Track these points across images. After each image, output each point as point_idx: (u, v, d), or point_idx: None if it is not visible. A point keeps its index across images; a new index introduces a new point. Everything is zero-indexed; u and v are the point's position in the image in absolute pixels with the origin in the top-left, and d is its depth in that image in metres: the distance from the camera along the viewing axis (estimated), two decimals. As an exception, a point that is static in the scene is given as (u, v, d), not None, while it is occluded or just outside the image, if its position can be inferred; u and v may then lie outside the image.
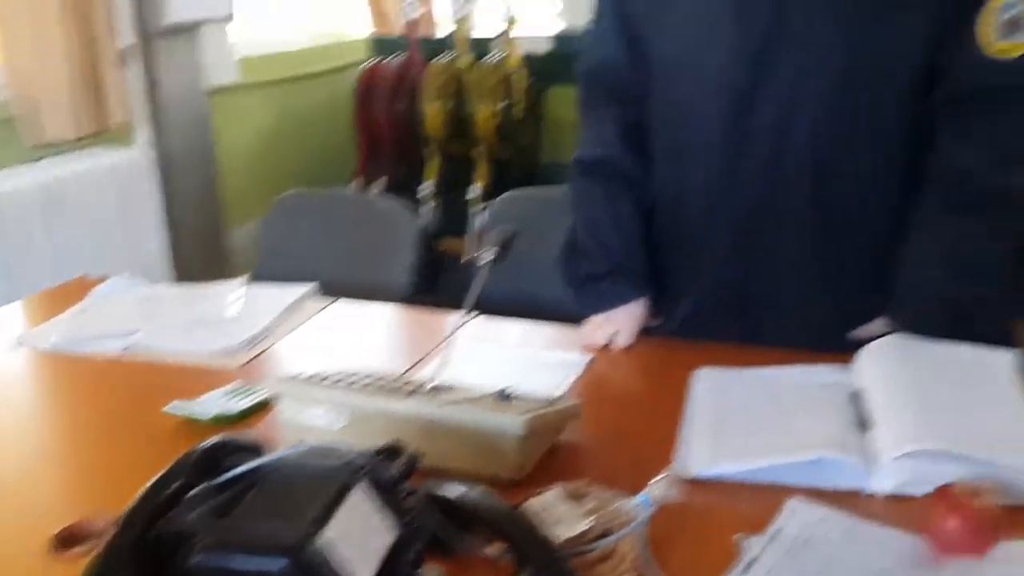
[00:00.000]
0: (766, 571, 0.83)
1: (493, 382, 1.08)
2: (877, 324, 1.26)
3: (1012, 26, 1.09)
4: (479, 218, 3.47)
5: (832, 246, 1.26)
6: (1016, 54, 1.10)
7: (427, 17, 4.06)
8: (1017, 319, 1.17)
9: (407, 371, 1.31)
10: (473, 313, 1.50)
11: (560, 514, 0.87)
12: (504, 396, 1.05)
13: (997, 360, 1.14)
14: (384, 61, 3.63)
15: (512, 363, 1.33)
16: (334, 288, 1.68)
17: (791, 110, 1.20)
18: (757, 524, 0.89)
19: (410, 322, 1.60)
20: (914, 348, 1.16)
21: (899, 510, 0.92)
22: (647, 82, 1.32)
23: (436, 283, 3.50)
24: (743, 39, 1.19)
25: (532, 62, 3.51)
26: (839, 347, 1.21)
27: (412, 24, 3.61)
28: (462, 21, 3.50)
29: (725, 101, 1.22)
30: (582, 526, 0.85)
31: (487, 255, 1.09)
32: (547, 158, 3.71)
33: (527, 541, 0.76)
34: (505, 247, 1.09)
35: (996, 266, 1.17)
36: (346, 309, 1.60)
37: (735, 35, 1.20)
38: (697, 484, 0.98)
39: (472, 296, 1.07)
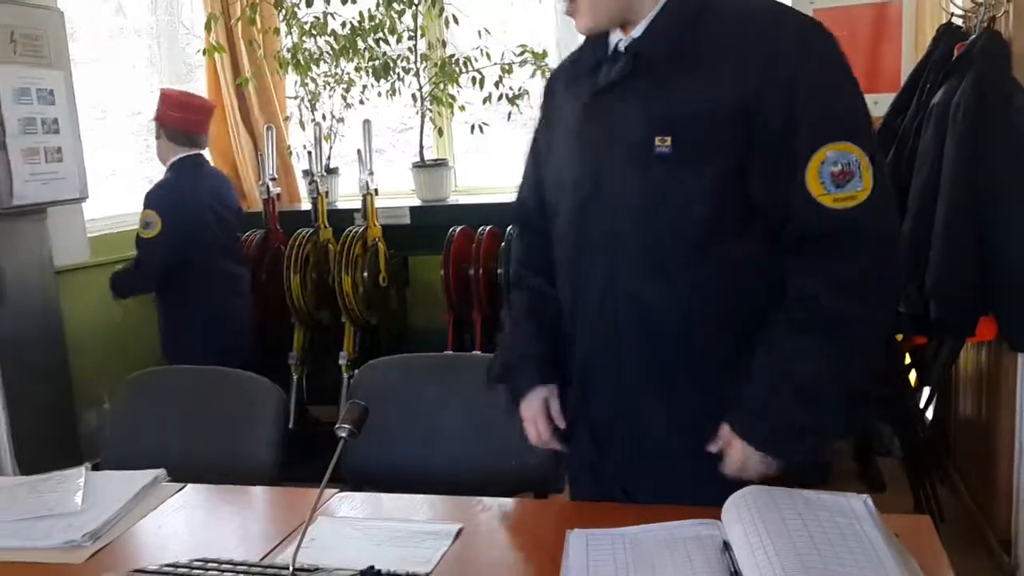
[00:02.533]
0: None
1: (359, 561, 1.03)
2: (724, 433, 1.27)
3: (837, 178, 1.18)
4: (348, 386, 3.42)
5: (674, 395, 1.32)
6: (850, 205, 1.19)
7: (288, 192, 4.10)
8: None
9: (266, 555, 1.24)
10: (335, 490, 1.45)
11: None
12: (371, 574, 1.00)
13: (853, 505, 1.18)
14: (245, 235, 3.62)
15: (379, 538, 1.27)
16: (193, 471, 1.59)
17: (613, 260, 1.31)
18: None
19: (271, 502, 1.52)
20: (774, 496, 1.18)
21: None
22: (541, 216, 1.49)
23: (311, 454, 3.39)
24: (577, 189, 1.35)
25: (393, 232, 3.58)
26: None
27: (271, 200, 3.63)
28: (321, 195, 3.56)
29: (571, 233, 1.37)
30: None
31: (340, 432, 1.07)
32: (416, 322, 3.73)
33: None
34: (358, 423, 1.07)
35: (835, 389, 1.22)
36: (201, 493, 1.51)
37: (573, 188, 1.36)
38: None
39: (327, 475, 1.03)
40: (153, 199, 2.97)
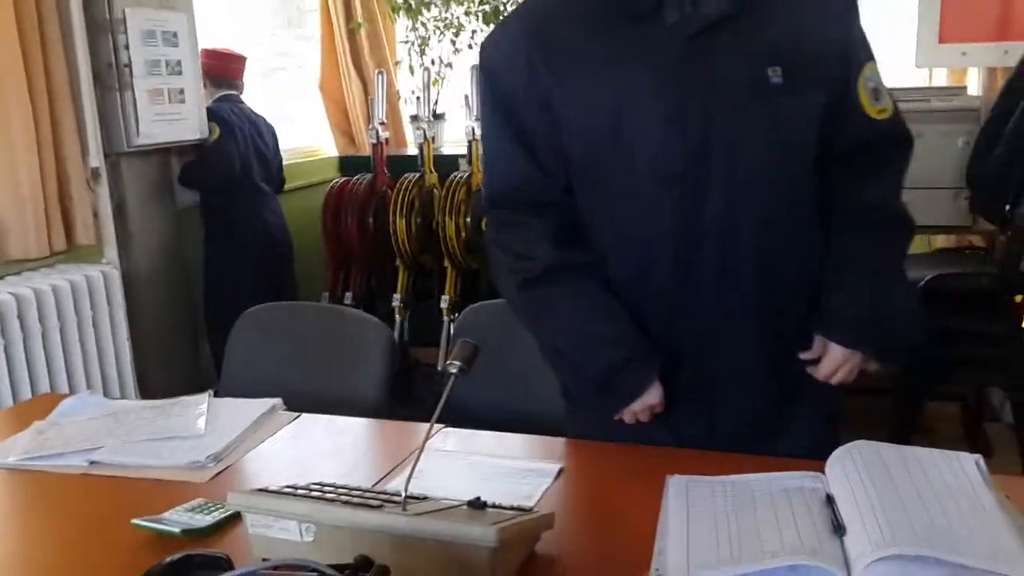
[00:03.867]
0: None
1: (464, 493, 1.07)
2: (818, 346, 1.34)
3: (875, 93, 1.34)
4: (449, 329, 3.49)
5: (779, 326, 1.34)
6: (885, 116, 1.34)
7: (396, 136, 4.17)
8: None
9: (376, 483, 1.30)
10: (441, 425, 1.50)
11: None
12: (477, 505, 1.04)
13: (963, 463, 1.16)
14: (354, 179, 3.71)
15: (483, 473, 1.32)
16: (303, 402, 1.66)
17: (738, 197, 1.27)
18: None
19: (380, 435, 1.59)
20: (882, 452, 1.16)
21: (877, 615, 0.91)
22: (560, 185, 1.34)
23: (411, 393, 3.51)
24: (680, 133, 1.25)
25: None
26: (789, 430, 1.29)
27: (379, 144, 3.70)
28: (428, 141, 3.61)
29: (672, 191, 1.27)
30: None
31: (451, 369, 1.10)
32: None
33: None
34: (468, 361, 1.10)
35: (906, 276, 1.38)
36: (314, 423, 1.59)
37: (671, 131, 1.25)
38: (674, 593, 0.96)
39: (438, 409, 1.06)
40: (211, 114, 3.45)
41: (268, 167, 3.65)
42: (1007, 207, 2.62)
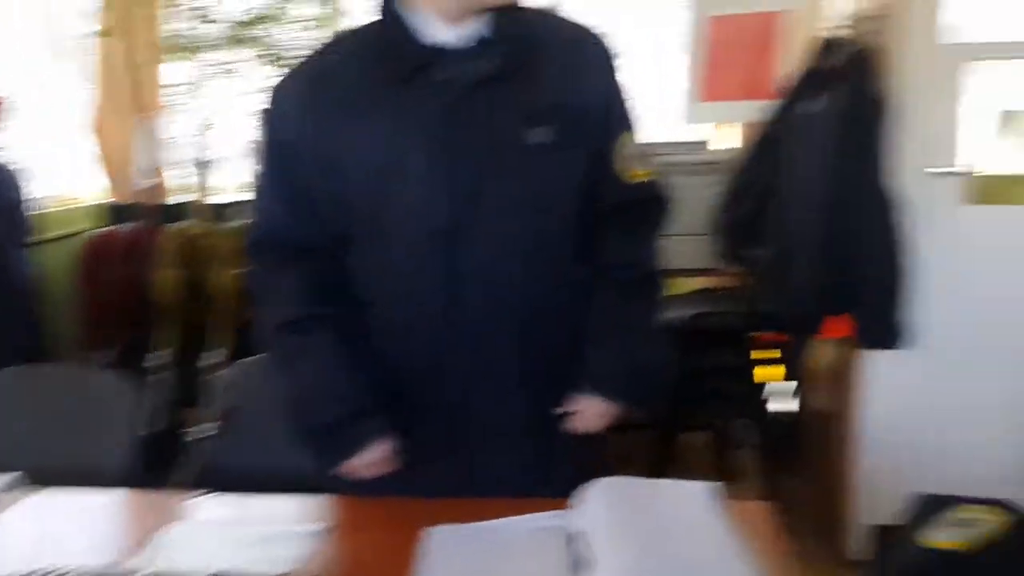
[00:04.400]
0: None
1: (213, 564, 1.03)
2: (579, 400, 1.38)
3: (633, 160, 1.42)
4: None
5: (541, 380, 1.39)
6: (642, 180, 1.42)
7: (165, 183, 3.98)
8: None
9: (120, 561, 1.22)
10: (202, 492, 1.44)
11: None
12: (223, 576, 1.01)
13: (696, 491, 1.26)
14: (118, 227, 3.50)
15: (240, 541, 1.27)
16: (47, 475, 1.54)
17: (502, 253, 1.32)
18: None
19: (129, 507, 1.50)
20: (623, 487, 1.25)
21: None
22: (326, 233, 1.37)
23: (175, 459, 3.31)
24: (447, 191, 1.29)
25: (271, 228, 3.52)
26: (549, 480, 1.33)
27: (146, 191, 3.52)
28: (199, 188, 3.48)
29: (441, 246, 1.31)
30: None
31: (208, 430, 1.07)
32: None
33: None
34: (227, 420, 1.07)
35: (662, 334, 1.45)
36: (59, 497, 1.47)
37: (439, 189, 1.29)
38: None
39: (191, 473, 1.03)
40: None
41: (8, 220, 3.33)
42: (749, 251, 2.86)
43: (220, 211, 3.56)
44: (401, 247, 1.33)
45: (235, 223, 3.43)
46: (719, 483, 1.28)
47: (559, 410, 1.39)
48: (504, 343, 1.36)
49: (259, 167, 1.41)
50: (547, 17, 1.40)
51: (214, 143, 3.87)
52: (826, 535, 2.87)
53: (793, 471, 3.21)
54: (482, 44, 1.31)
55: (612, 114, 1.40)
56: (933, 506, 1.10)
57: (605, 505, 1.21)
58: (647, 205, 1.46)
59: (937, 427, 2.61)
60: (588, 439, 1.42)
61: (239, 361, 1.97)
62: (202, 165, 3.56)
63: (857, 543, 2.69)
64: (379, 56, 1.32)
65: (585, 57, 1.37)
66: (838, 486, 2.82)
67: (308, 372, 1.36)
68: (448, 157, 1.29)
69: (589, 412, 1.39)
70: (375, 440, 1.35)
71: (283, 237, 1.39)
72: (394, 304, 1.36)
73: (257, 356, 1.99)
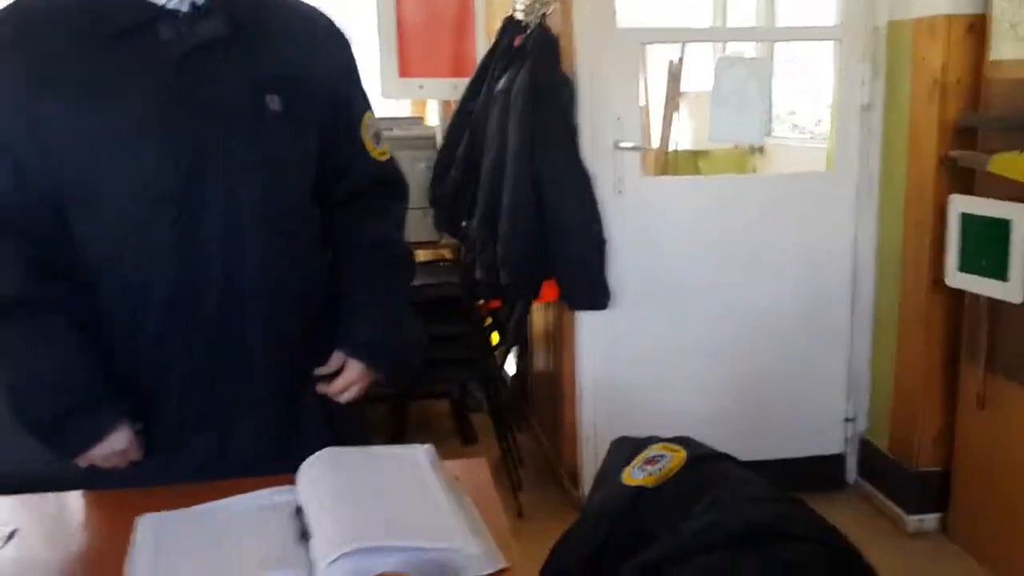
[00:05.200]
0: None
1: None
2: (335, 362, 1.40)
3: (376, 138, 1.45)
4: None
5: (289, 352, 1.37)
6: (385, 158, 1.47)
7: None
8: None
9: None
10: None
11: None
12: None
13: (416, 455, 1.29)
14: None
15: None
16: None
17: (239, 220, 1.27)
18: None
19: None
20: (343, 456, 1.24)
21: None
22: (37, 204, 1.25)
23: None
24: (172, 155, 1.23)
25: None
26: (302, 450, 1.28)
27: None
28: None
29: (168, 211, 1.24)
30: None
31: None
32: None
33: None
34: None
35: (411, 308, 1.50)
36: None
37: (163, 152, 1.22)
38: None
39: None
40: None
41: None
42: (463, 223, 2.97)
43: None
44: (123, 217, 1.24)
45: None
46: (431, 444, 1.32)
47: (318, 370, 1.39)
48: (247, 313, 1.31)
49: None
50: None
51: None
52: (556, 487, 3.05)
53: (523, 428, 3.40)
54: (204, 8, 1.25)
55: (347, 94, 1.41)
56: (631, 447, 1.21)
57: (322, 475, 1.20)
58: (392, 184, 1.50)
59: (642, 375, 2.86)
60: (341, 408, 1.42)
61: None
62: None
63: (585, 493, 2.87)
64: (92, 13, 1.22)
65: (315, 35, 1.38)
66: (563, 439, 3.00)
67: (34, 358, 1.25)
68: (169, 121, 1.22)
69: (348, 376, 1.39)
70: (113, 430, 1.26)
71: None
72: (122, 277, 1.27)
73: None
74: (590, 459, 2.88)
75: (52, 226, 1.26)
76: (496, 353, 3.21)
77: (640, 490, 1.12)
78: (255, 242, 1.29)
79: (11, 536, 1.17)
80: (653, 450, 1.17)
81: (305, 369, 1.39)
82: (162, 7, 1.24)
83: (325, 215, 1.43)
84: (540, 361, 3.38)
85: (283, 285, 1.34)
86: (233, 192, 1.26)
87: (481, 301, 3.04)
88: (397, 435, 3.33)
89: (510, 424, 3.23)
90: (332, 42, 1.40)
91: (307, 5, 1.42)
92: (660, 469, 1.13)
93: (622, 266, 2.74)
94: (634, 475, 1.14)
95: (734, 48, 4.10)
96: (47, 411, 1.25)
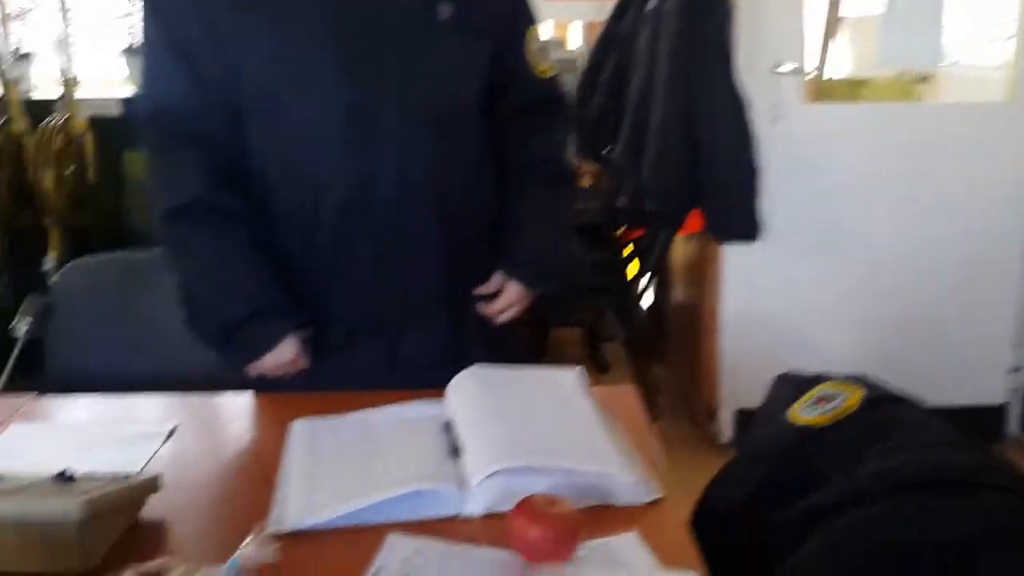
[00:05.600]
0: (367, 614, 0.80)
1: (57, 466, 0.94)
2: (495, 282, 1.38)
3: (541, 54, 1.40)
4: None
5: (457, 260, 1.35)
6: (548, 76, 1.43)
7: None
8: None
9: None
10: (32, 395, 1.32)
11: (134, 600, 0.77)
12: (64, 478, 0.92)
13: (566, 378, 1.25)
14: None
15: (82, 443, 1.17)
16: None
17: (412, 131, 1.26)
18: (358, 569, 0.86)
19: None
20: (493, 374, 1.21)
21: (493, 528, 0.94)
22: (222, 117, 1.26)
23: (18, 368, 3.07)
24: (350, 67, 1.22)
25: (100, 125, 3.23)
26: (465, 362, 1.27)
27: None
28: (12, 84, 3.14)
29: (344, 123, 1.24)
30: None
31: (19, 328, 0.95)
32: (136, 223, 3.43)
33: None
34: (39, 317, 0.96)
35: (571, 227, 1.51)
36: None
37: (341, 65, 1.22)
38: (295, 539, 0.92)
39: (6, 371, 0.92)
40: None
41: None
42: (606, 149, 2.88)
43: (39, 108, 3.24)
44: (300, 127, 1.25)
45: (56, 120, 3.13)
46: (582, 367, 1.27)
47: (478, 290, 1.37)
48: (418, 222, 1.31)
49: (146, 33, 1.27)
50: None
51: (27, 34, 3.51)
52: (692, 421, 2.99)
53: (659, 361, 3.32)
54: None
55: (514, 7, 1.38)
56: (797, 385, 1.12)
57: (473, 391, 1.18)
58: (555, 102, 1.47)
59: (790, 311, 2.73)
60: (500, 329, 1.40)
61: (72, 262, 1.82)
62: (14, 59, 3.21)
63: (722, 428, 2.81)
64: None
65: None
66: (702, 373, 2.93)
67: (208, 264, 1.27)
68: (343, 30, 1.22)
69: (508, 296, 1.37)
70: (283, 339, 1.27)
71: (175, 117, 1.26)
72: (299, 189, 1.28)
73: (91, 257, 1.86)
74: (728, 395, 2.80)
75: (232, 139, 1.27)
76: (635, 283, 3.13)
77: (810, 430, 1.04)
78: (426, 148, 1.28)
79: (171, 434, 1.20)
80: (825, 388, 1.08)
81: (471, 283, 1.37)
82: None
83: (492, 131, 1.40)
84: (679, 293, 3.28)
85: (453, 192, 1.33)
86: (405, 98, 1.25)
87: (622, 229, 2.96)
88: (536, 361, 3.31)
89: (647, 355, 3.16)
90: None
91: None
92: (833, 409, 1.04)
93: (775, 197, 2.58)
94: (803, 414, 1.06)
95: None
96: (221, 317, 1.26)
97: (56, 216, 3.11)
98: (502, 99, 1.39)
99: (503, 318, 1.39)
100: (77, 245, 3.24)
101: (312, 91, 1.23)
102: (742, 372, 2.73)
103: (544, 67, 1.42)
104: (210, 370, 1.45)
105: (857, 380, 1.11)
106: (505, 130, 1.41)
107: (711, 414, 2.87)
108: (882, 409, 1.05)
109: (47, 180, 3.02)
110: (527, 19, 1.40)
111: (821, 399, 1.07)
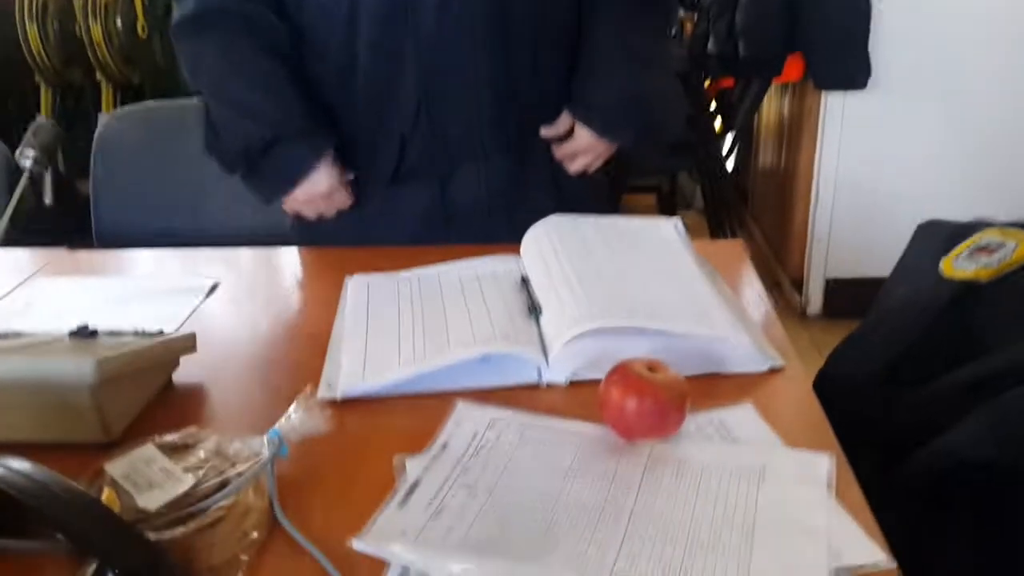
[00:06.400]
0: (433, 493, 0.66)
1: (82, 321, 0.81)
2: (563, 123, 1.18)
3: None
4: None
5: (513, 81, 1.14)
6: None
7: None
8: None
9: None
10: (60, 249, 1.21)
11: (153, 475, 0.64)
12: (84, 334, 0.79)
13: (663, 229, 1.07)
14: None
15: (116, 297, 1.05)
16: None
17: None
18: (421, 442, 0.73)
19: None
20: (577, 225, 1.04)
21: (581, 399, 0.79)
22: None
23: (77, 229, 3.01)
24: None
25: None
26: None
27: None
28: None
29: None
30: (183, 485, 0.63)
31: (23, 160, 0.80)
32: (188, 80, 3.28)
33: (83, 526, 0.53)
34: (46, 149, 0.81)
35: (666, 57, 1.26)
36: None
37: None
38: (348, 407, 0.79)
39: (9, 211, 0.78)
40: None
41: None
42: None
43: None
44: None
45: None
46: (678, 218, 1.09)
47: (545, 131, 1.18)
48: (464, 45, 1.10)
49: None
50: None
51: None
52: (779, 290, 2.81)
53: (741, 227, 3.11)
54: None
55: None
56: (949, 233, 0.92)
57: (554, 244, 1.01)
58: None
59: (893, 177, 2.48)
60: (570, 179, 1.22)
61: (116, 111, 1.70)
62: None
63: (811, 298, 2.62)
64: None
65: None
66: (791, 241, 2.72)
67: (220, 81, 1.12)
68: None
69: (578, 142, 1.18)
70: (316, 165, 1.11)
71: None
72: (337, 25, 1.10)
73: (136, 105, 1.73)
74: (819, 264, 2.60)
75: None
76: (720, 140, 2.89)
77: (969, 285, 0.85)
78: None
79: (212, 289, 1.07)
80: (987, 235, 0.89)
81: (534, 120, 1.17)
82: None
83: None
84: (768, 156, 3.03)
85: (512, 24, 1.11)
86: None
87: (708, 81, 2.70)
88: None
89: (728, 223, 2.94)
90: None
91: None
92: (999, 260, 0.85)
93: (888, 41, 2.30)
94: (959, 265, 0.87)
95: None
96: (245, 140, 1.10)
97: (107, 72, 2.98)
98: None
99: (575, 167, 1.20)
100: (132, 101, 3.11)
101: None
102: (835, 239, 2.52)
103: None
104: (262, 226, 1.33)
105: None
106: None
107: (797, 284, 2.67)
108: (1057, 264, 0.85)
109: (96, 33, 2.87)
110: None
111: (982, 249, 0.88)
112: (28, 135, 0.84)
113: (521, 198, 1.17)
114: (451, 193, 1.18)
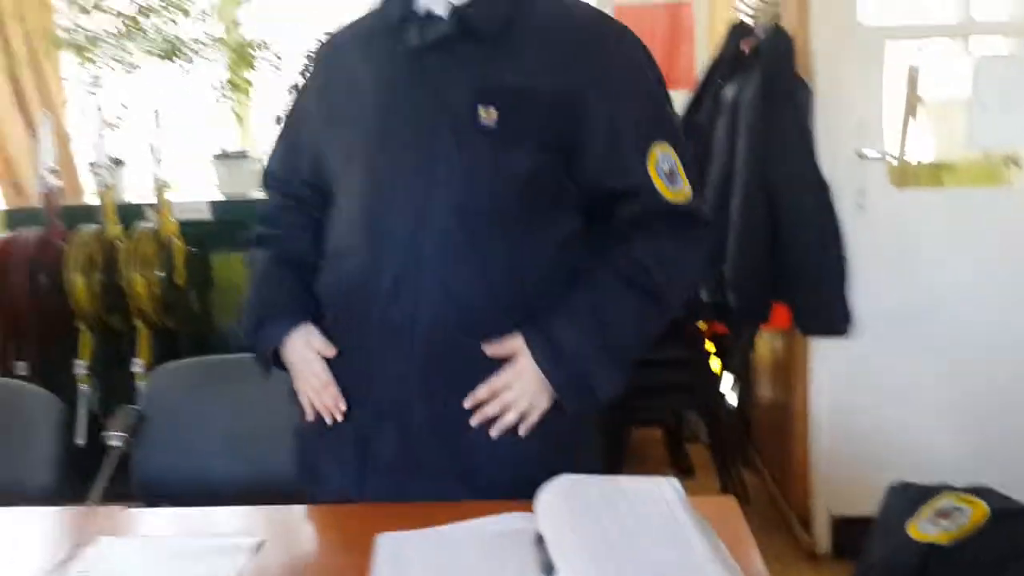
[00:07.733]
0: None
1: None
2: (514, 344, 1.25)
3: (671, 176, 1.26)
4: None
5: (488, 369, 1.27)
6: (681, 199, 1.27)
7: (70, 185, 3.75)
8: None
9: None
10: (129, 504, 1.32)
11: None
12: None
13: (663, 490, 1.18)
14: (17, 234, 3.28)
15: (170, 555, 1.15)
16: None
17: (420, 222, 1.24)
18: None
19: (55, 523, 1.35)
20: (584, 486, 1.16)
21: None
22: (303, 187, 1.44)
23: (100, 473, 3.09)
24: (380, 152, 1.28)
25: (190, 229, 3.34)
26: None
27: (50, 194, 3.30)
28: (107, 189, 3.27)
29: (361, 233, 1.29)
30: None
31: (111, 441, 0.95)
32: (221, 325, 3.50)
33: None
34: (131, 429, 0.96)
35: (626, 346, 1.27)
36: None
37: (373, 159, 1.29)
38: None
39: (99, 484, 0.91)
40: None
41: None
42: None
43: (131, 212, 3.36)
44: (340, 213, 1.34)
45: (148, 224, 3.25)
46: (675, 478, 1.20)
47: (489, 349, 1.25)
48: (416, 318, 1.24)
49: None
50: (568, 4, 1.33)
51: (119, 142, 3.68)
52: (787, 529, 2.83)
53: (746, 464, 3.18)
54: (459, 8, 1.25)
55: (613, 113, 1.25)
56: (915, 495, 1.04)
57: (564, 505, 1.12)
58: (682, 225, 1.29)
59: (885, 412, 2.59)
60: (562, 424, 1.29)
61: (161, 366, 1.85)
62: (109, 166, 3.35)
63: (819, 538, 2.64)
64: (378, 15, 1.34)
65: (581, 44, 1.26)
66: (793, 478, 2.78)
67: (253, 285, 1.43)
68: (381, 115, 1.27)
69: (505, 377, 1.24)
70: (291, 333, 1.33)
71: (270, 175, 1.49)
72: (336, 268, 1.35)
73: (179, 362, 1.88)
74: (823, 502, 2.63)
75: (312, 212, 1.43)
76: (719, 381, 3.04)
77: (934, 548, 0.96)
78: (434, 245, 1.23)
79: (259, 547, 1.17)
80: (946, 500, 1.00)
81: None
82: (426, 13, 1.27)
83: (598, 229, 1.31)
84: (766, 393, 3.17)
85: (463, 294, 1.23)
86: (428, 196, 1.23)
87: (704, 325, 2.89)
88: (614, 464, 3.21)
89: (733, 459, 3.03)
90: (604, 55, 1.27)
91: (593, 11, 1.35)
92: (957, 525, 0.96)
93: (865, 288, 2.49)
94: (923, 529, 0.98)
95: (980, 49, 3.72)
96: (247, 322, 1.40)
97: (145, 319, 3.19)
98: (611, 210, 1.29)
99: (502, 423, 1.24)
100: (165, 348, 3.31)
101: (353, 175, 1.31)
102: (837, 477, 2.58)
103: (675, 191, 1.26)
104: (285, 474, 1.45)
105: (980, 492, 1.03)
106: (612, 234, 1.29)
107: (805, 523, 2.70)
108: (1011, 526, 0.96)
109: (138, 284, 3.11)
110: (640, 130, 1.27)
111: (943, 513, 0.99)
112: (117, 418, 0.98)
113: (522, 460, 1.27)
114: (473, 465, 1.27)
